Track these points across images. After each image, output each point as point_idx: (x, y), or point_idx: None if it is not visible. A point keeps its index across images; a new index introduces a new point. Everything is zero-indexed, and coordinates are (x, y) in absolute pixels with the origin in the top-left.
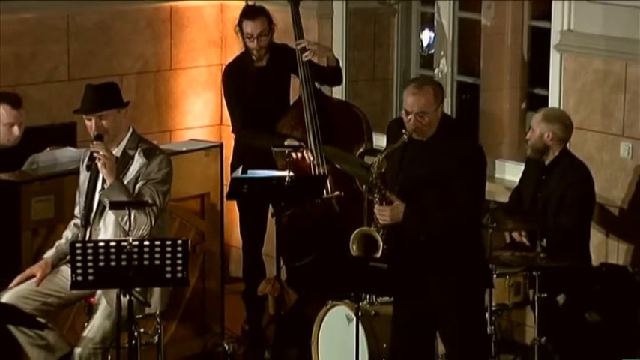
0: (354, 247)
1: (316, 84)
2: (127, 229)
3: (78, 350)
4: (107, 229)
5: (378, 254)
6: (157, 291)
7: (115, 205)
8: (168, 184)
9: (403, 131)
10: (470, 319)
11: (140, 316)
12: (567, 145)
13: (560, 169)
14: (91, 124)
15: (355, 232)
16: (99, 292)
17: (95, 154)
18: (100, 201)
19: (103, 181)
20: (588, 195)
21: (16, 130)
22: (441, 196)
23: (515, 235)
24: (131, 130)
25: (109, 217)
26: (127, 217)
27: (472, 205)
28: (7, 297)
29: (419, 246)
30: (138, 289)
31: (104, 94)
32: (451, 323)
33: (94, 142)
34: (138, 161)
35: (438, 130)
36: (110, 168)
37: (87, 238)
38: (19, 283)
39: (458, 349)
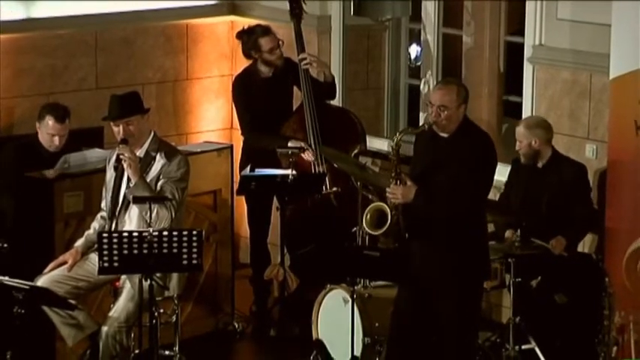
0: (367, 217)
1: None
2: (149, 223)
3: (105, 329)
4: (132, 221)
5: (385, 228)
6: (175, 276)
7: (138, 200)
8: (186, 181)
9: (425, 121)
10: (466, 308)
11: (160, 298)
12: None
13: (556, 170)
14: (118, 129)
15: (370, 206)
16: (123, 277)
17: (121, 157)
18: (125, 196)
19: (128, 179)
20: (588, 184)
21: (56, 140)
22: (450, 182)
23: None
24: (152, 133)
25: (134, 210)
26: (152, 210)
27: (476, 194)
28: (42, 281)
29: (426, 227)
30: (158, 274)
31: (128, 102)
32: (448, 311)
33: (120, 146)
34: (159, 162)
35: (458, 129)
36: (135, 168)
37: (113, 229)
38: (52, 269)
39: (452, 332)
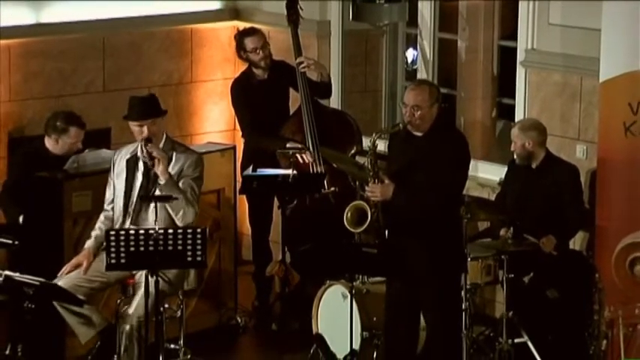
0: (348, 215)
1: None
2: (164, 219)
3: (127, 326)
4: (150, 218)
5: (365, 226)
6: (192, 272)
7: (144, 199)
8: (202, 179)
9: (398, 121)
10: (447, 296)
11: (180, 291)
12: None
13: (549, 171)
14: (140, 129)
15: (351, 204)
16: (139, 273)
17: (153, 154)
18: (138, 193)
19: (143, 176)
20: (580, 186)
21: (79, 145)
22: (428, 179)
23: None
24: (165, 134)
25: (152, 207)
26: (179, 209)
27: (452, 190)
28: (61, 284)
29: (404, 223)
30: (174, 270)
31: (152, 103)
32: (431, 300)
33: (148, 145)
34: (179, 160)
35: (431, 128)
36: (165, 166)
37: (127, 225)
38: (69, 272)
39: (437, 322)
